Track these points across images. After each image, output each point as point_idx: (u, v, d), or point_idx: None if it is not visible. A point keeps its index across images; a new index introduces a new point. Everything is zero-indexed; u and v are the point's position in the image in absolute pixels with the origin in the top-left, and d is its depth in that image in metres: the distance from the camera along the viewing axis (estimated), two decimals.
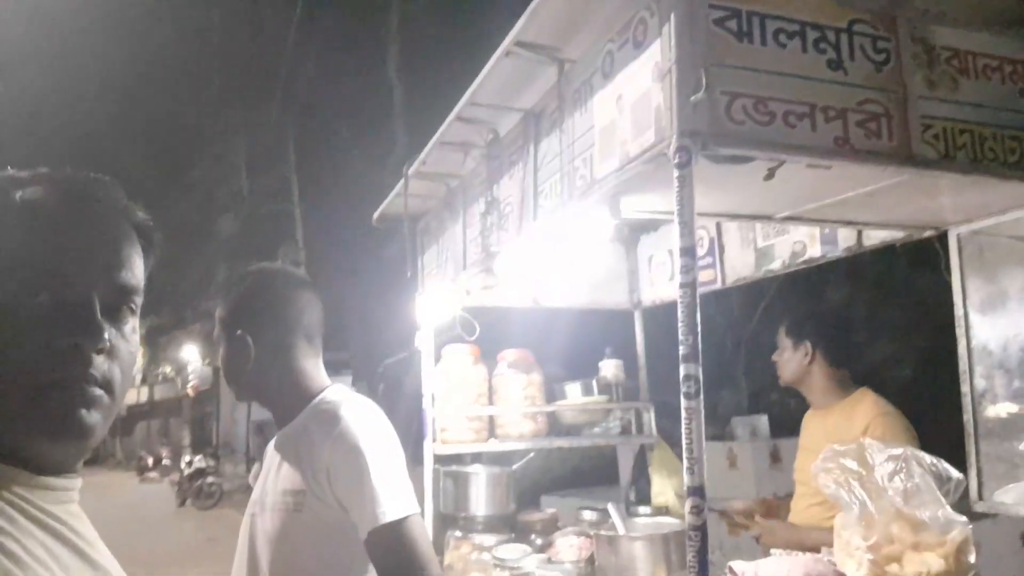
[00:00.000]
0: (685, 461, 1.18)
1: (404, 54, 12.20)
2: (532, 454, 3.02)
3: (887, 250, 2.32)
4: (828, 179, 1.58)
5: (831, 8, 1.39)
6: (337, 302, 11.76)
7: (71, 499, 0.76)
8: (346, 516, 1.34)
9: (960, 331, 2.13)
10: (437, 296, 2.77)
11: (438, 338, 2.96)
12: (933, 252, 2.21)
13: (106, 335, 0.72)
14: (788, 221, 2.07)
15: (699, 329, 1.21)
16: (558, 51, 1.67)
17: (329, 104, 13.57)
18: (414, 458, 2.85)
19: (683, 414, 1.19)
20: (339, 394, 1.48)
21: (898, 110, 1.40)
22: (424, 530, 1.35)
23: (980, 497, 2.06)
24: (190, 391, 25.15)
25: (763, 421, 7.89)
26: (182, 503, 15.63)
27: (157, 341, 30.09)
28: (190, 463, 16.37)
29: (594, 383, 3.05)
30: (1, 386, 0.69)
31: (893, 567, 1.52)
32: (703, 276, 2.79)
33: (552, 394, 3.04)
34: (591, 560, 2.31)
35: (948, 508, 1.54)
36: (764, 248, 2.61)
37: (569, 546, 2.42)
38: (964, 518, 1.53)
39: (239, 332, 1.45)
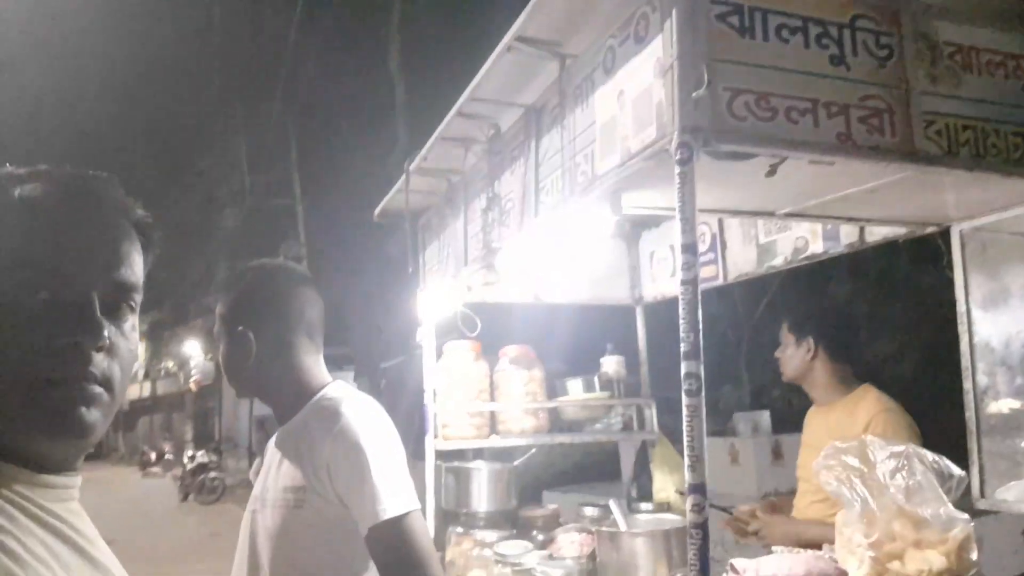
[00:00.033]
0: (687, 459, 1.18)
1: (405, 50, 12.19)
2: (534, 450, 3.02)
3: (889, 246, 2.32)
4: (830, 175, 1.58)
5: (834, 3, 1.38)
6: (339, 298, 11.77)
7: (71, 497, 0.76)
8: (347, 513, 1.34)
9: (962, 328, 2.13)
10: (438, 292, 2.77)
11: (439, 334, 2.96)
12: (935, 248, 2.20)
13: (106, 333, 0.72)
14: (790, 217, 2.06)
15: (700, 327, 1.20)
16: (559, 46, 1.67)
17: (330, 100, 13.57)
18: (415, 454, 2.86)
19: (684, 412, 1.18)
20: (340, 391, 1.48)
21: (901, 106, 1.40)
22: (424, 526, 1.35)
23: (982, 494, 2.05)
24: (192, 386, 25.21)
25: (765, 417, 7.89)
26: (184, 498, 15.69)
27: (159, 336, 30.18)
28: (192, 458, 16.42)
29: (595, 379, 3.05)
30: (1, 384, 0.69)
31: (895, 564, 1.52)
32: (705, 272, 2.78)
33: (553, 390, 3.04)
34: (592, 556, 2.31)
35: (950, 506, 1.54)
36: (766, 244, 2.61)
37: (570, 542, 2.42)
38: (966, 515, 1.52)
39: (240, 328, 1.45)
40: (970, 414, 2.12)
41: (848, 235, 2.29)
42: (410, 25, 12.23)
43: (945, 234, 2.15)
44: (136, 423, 33.74)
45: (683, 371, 1.19)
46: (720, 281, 2.81)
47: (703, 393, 1.19)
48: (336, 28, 13.16)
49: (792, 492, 2.57)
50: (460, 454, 2.98)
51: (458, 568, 2.54)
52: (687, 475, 1.18)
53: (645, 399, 3.17)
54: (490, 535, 2.61)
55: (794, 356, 2.49)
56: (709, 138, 1.24)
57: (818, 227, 2.36)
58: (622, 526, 2.20)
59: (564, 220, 1.76)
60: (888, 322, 9.06)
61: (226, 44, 15.59)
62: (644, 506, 2.66)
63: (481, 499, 2.78)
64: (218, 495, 15.28)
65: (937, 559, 1.49)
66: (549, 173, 1.78)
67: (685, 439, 1.19)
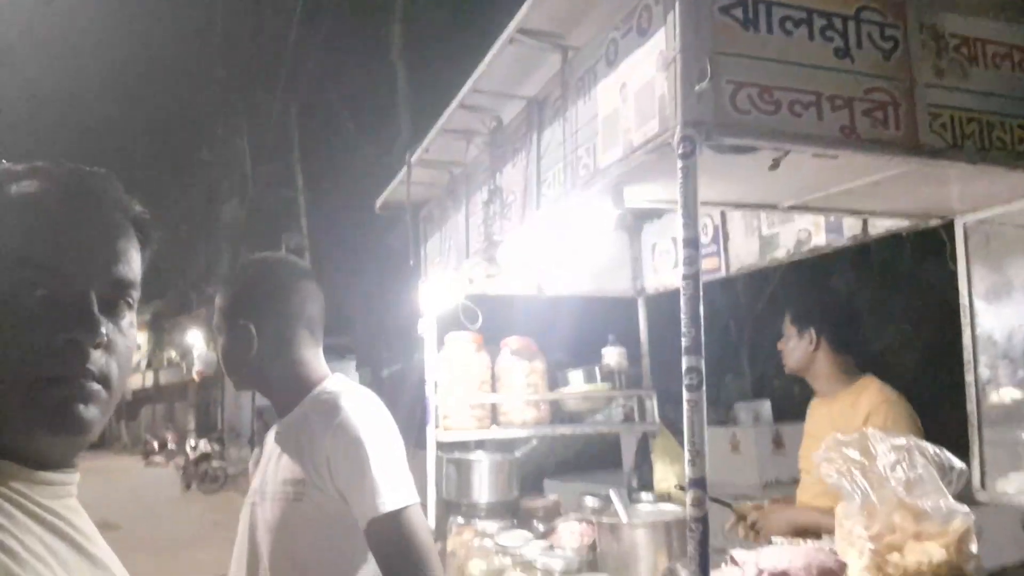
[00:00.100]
0: (687, 453, 1.18)
1: (408, 41, 12.14)
2: (535, 442, 3.03)
3: (893, 239, 2.31)
4: (834, 168, 1.57)
5: None
6: (341, 288, 11.78)
7: (69, 494, 0.76)
8: (346, 506, 1.34)
9: (965, 320, 2.12)
10: (440, 284, 2.77)
11: (441, 326, 2.96)
12: (939, 241, 2.20)
13: (103, 330, 0.72)
14: (793, 210, 2.06)
15: (702, 321, 1.20)
16: (562, 38, 1.65)
17: (333, 91, 13.54)
18: (418, 443, 2.87)
19: (685, 406, 1.18)
20: (339, 384, 1.48)
21: (906, 99, 1.39)
22: (424, 520, 1.36)
23: (983, 486, 2.06)
24: (195, 376, 25.28)
25: (766, 406, 7.91)
26: (187, 487, 15.76)
27: (162, 326, 30.26)
28: (195, 447, 16.49)
29: (597, 370, 3.05)
30: None
31: (895, 556, 1.53)
32: (707, 264, 2.78)
33: (555, 381, 3.04)
34: (593, 547, 2.32)
35: (950, 498, 1.54)
36: (769, 236, 2.60)
37: (571, 532, 2.43)
38: (966, 508, 1.52)
39: (242, 322, 1.45)
40: (971, 406, 2.12)
41: (851, 227, 2.29)
42: (413, 17, 12.18)
43: (949, 227, 2.14)
44: (139, 412, 33.85)
45: (684, 366, 1.18)
46: (722, 273, 2.80)
47: (704, 388, 1.19)
48: (339, 20, 13.11)
49: (793, 481, 2.57)
50: (461, 445, 2.99)
51: (459, 558, 2.55)
52: (687, 469, 1.18)
53: (646, 390, 3.17)
54: (491, 525, 2.62)
55: (796, 348, 2.49)
56: (712, 132, 1.23)
57: (821, 219, 2.35)
58: (623, 517, 2.20)
59: (566, 213, 1.75)
60: (891, 314, 9.05)
61: (228, 36, 15.55)
62: (645, 496, 2.67)
63: (482, 490, 2.79)
64: (220, 484, 15.35)
65: (937, 551, 1.49)
66: (551, 166, 1.78)
67: (686, 433, 1.19)
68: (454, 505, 2.82)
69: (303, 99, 14.49)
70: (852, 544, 1.60)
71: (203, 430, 22.41)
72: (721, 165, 1.41)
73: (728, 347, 10.93)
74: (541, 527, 2.59)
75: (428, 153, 2.38)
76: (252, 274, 1.54)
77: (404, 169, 2.53)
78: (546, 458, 7.72)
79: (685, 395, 1.19)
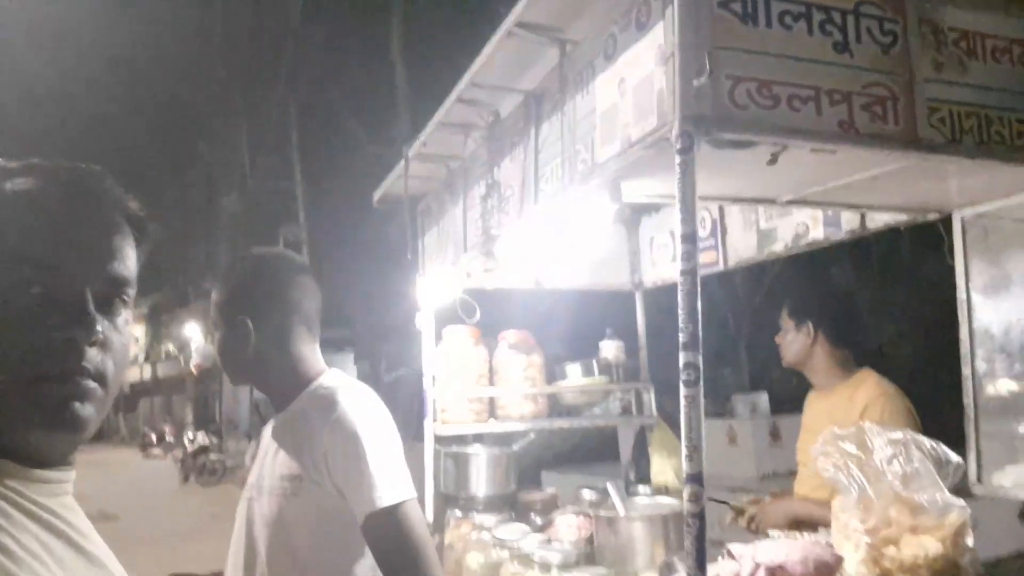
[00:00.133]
0: (684, 448, 1.18)
1: (408, 34, 12.10)
2: (532, 435, 3.04)
3: (891, 232, 2.31)
4: (832, 163, 1.57)
5: None
6: (339, 281, 11.78)
7: (65, 491, 0.76)
8: (343, 501, 1.34)
9: (962, 314, 2.13)
10: (438, 278, 2.77)
11: (439, 319, 2.96)
12: (937, 235, 2.20)
13: (99, 328, 0.72)
14: (791, 204, 2.06)
15: (699, 317, 1.20)
16: (560, 32, 1.65)
17: (332, 85, 13.50)
18: (417, 435, 2.87)
19: (682, 402, 1.18)
20: (336, 379, 1.48)
21: (904, 93, 1.38)
22: (420, 515, 1.36)
23: (979, 480, 2.07)
24: (193, 369, 25.27)
25: (763, 398, 7.92)
26: (185, 479, 15.78)
27: (160, 319, 30.24)
28: (193, 440, 16.50)
29: (594, 364, 3.06)
30: None
31: (891, 550, 1.53)
32: (704, 258, 2.78)
33: (553, 375, 3.05)
34: (590, 540, 2.33)
35: (946, 492, 1.55)
36: (767, 230, 2.60)
37: (568, 526, 2.44)
38: (962, 502, 1.53)
39: (239, 318, 1.44)
40: (968, 400, 2.12)
41: (849, 221, 2.29)
42: (413, 9, 12.13)
43: (947, 220, 2.14)
44: (137, 405, 33.85)
45: (681, 362, 1.18)
46: (720, 267, 2.80)
47: (701, 384, 1.19)
48: (339, 10, 13.06)
49: (790, 473, 2.57)
50: (459, 438, 2.99)
51: (457, 551, 2.56)
52: (685, 465, 1.19)
53: (644, 383, 3.18)
54: (489, 519, 2.63)
55: (794, 341, 2.49)
56: (710, 127, 1.23)
57: (819, 213, 2.35)
58: (620, 510, 2.21)
59: (564, 208, 1.75)
60: (888, 308, 9.07)
61: (227, 29, 15.48)
62: (642, 489, 2.68)
63: (480, 483, 2.79)
64: (219, 477, 15.36)
65: (933, 545, 1.50)
66: (549, 160, 1.77)
67: (683, 429, 1.19)
68: (452, 498, 2.83)
69: (302, 92, 14.45)
70: (848, 537, 1.61)
71: (201, 423, 22.42)
72: (719, 160, 1.41)
73: (726, 340, 10.95)
74: (539, 520, 2.60)
75: (426, 147, 2.38)
76: (249, 269, 1.53)
77: (401, 162, 2.53)
78: (544, 451, 7.74)
79: (682, 391, 1.19)
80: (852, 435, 1.65)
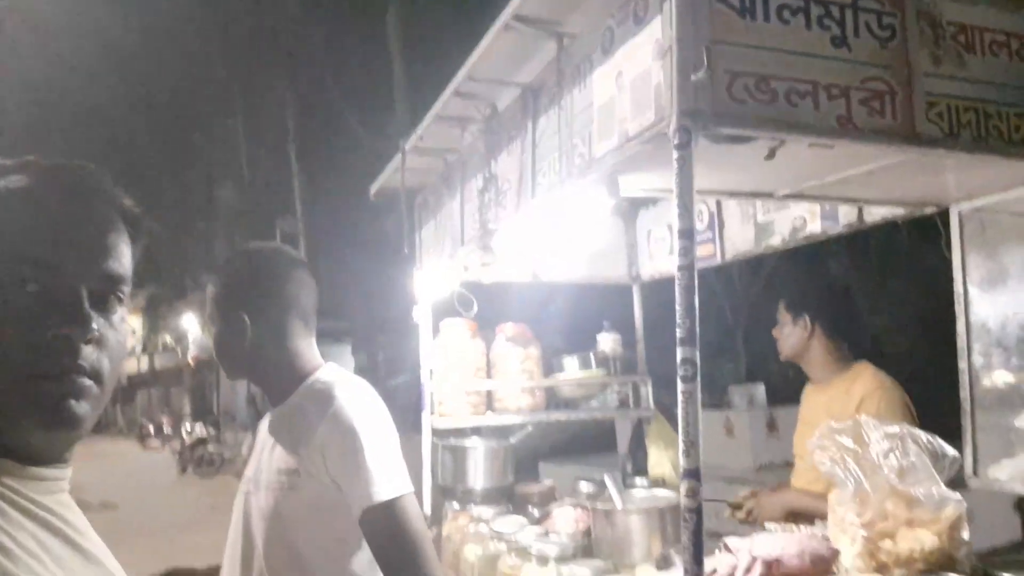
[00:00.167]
0: (681, 444, 1.18)
1: (406, 26, 12.04)
2: (530, 427, 3.04)
3: (888, 226, 2.31)
4: (830, 158, 1.57)
5: None
6: (336, 273, 11.78)
7: (61, 489, 0.76)
8: (340, 495, 1.34)
9: (959, 308, 2.13)
10: (435, 272, 2.76)
11: (436, 312, 2.96)
12: (934, 229, 2.20)
13: (94, 325, 0.72)
14: (789, 199, 2.05)
15: (697, 312, 1.20)
16: (558, 25, 1.64)
17: (330, 77, 13.43)
18: (415, 427, 2.87)
19: (680, 397, 1.18)
20: (333, 374, 1.48)
21: (903, 87, 1.38)
22: (418, 509, 1.36)
23: (975, 473, 2.08)
24: (191, 361, 25.27)
25: (760, 390, 7.92)
26: (183, 471, 15.80)
27: (157, 311, 30.19)
28: (191, 431, 16.52)
29: (592, 357, 3.06)
30: None
31: (887, 543, 1.54)
32: (702, 251, 2.78)
33: (550, 368, 3.05)
34: (587, 532, 2.34)
35: (942, 485, 1.55)
36: (764, 223, 2.60)
37: (566, 518, 2.44)
38: (958, 495, 1.54)
39: (236, 312, 1.44)
40: (964, 393, 2.13)
41: (846, 215, 2.29)
42: (411, 3, 12.06)
43: (944, 214, 2.14)
44: (134, 397, 33.87)
45: (679, 357, 1.18)
46: (718, 260, 2.80)
47: (699, 379, 1.19)
48: (337, 6, 12.99)
49: (787, 464, 2.58)
50: (456, 431, 3.00)
51: (454, 544, 2.56)
52: (682, 460, 1.19)
53: (641, 376, 3.18)
54: (486, 511, 2.63)
55: (791, 335, 2.49)
56: (708, 122, 1.23)
57: (816, 207, 2.35)
58: (617, 502, 2.22)
59: (561, 202, 1.75)
60: (886, 302, 9.09)
61: (226, 18, 15.37)
62: (639, 481, 2.69)
63: (477, 476, 2.80)
64: (216, 468, 15.39)
65: (929, 538, 1.51)
66: (546, 155, 1.77)
67: (680, 424, 1.19)
68: (449, 491, 2.84)
69: (299, 84, 14.38)
70: (845, 531, 1.62)
71: (199, 414, 22.43)
72: (717, 154, 1.41)
73: (723, 332, 10.96)
74: (536, 513, 2.60)
75: (423, 140, 2.37)
76: (245, 264, 1.53)
77: (398, 156, 2.52)
78: (541, 442, 7.76)
79: (680, 386, 1.19)
80: (848, 429, 1.66)
